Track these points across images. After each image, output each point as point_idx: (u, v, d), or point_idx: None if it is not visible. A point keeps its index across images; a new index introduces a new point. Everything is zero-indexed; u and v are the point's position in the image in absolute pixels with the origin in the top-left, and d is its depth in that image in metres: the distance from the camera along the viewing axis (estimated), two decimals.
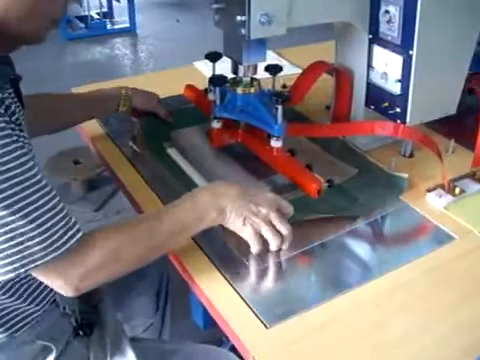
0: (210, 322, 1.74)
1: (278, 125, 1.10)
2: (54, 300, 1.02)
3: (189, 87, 1.42)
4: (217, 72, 1.26)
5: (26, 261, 0.78)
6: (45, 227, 0.78)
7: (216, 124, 1.21)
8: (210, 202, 0.93)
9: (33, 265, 0.78)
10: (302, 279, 0.95)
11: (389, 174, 1.21)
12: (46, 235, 0.78)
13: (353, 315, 0.87)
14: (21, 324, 0.97)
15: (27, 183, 0.78)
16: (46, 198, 0.79)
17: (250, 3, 0.99)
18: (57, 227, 0.80)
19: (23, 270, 0.78)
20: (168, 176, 1.20)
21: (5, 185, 0.75)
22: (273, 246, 0.95)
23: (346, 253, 1.01)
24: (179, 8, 5.54)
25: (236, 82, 1.19)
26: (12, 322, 0.96)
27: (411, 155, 1.30)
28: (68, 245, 0.80)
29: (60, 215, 0.80)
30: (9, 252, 0.77)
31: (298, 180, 1.09)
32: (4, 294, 0.92)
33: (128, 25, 5.07)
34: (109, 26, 5.06)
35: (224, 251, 0.98)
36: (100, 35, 4.89)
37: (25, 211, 0.77)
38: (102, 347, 1.05)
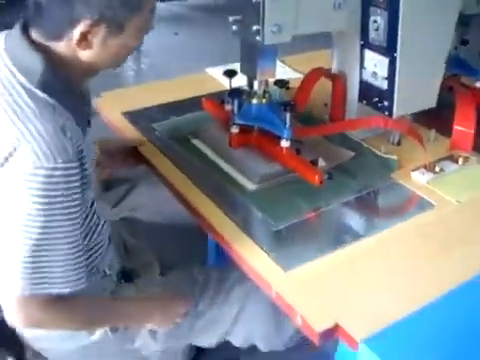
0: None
1: (287, 129, 1.32)
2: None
3: (207, 100, 1.64)
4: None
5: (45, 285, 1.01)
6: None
7: (234, 129, 1.41)
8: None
9: (47, 291, 1.01)
10: (313, 236, 1.18)
11: (381, 157, 1.44)
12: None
13: (352, 262, 1.10)
14: None
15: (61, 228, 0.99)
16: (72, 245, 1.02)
17: (264, 15, 1.22)
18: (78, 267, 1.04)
19: (32, 292, 1.00)
20: (195, 160, 1.43)
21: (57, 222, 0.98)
22: None
23: (347, 217, 1.25)
24: (177, 22, 5.77)
25: (251, 94, 1.40)
26: None
27: (399, 143, 1.53)
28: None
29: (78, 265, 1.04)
30: (32, 272, 0.99)
31: (304, 174, 1.31)
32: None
33: None
34: None
35: (247, 217, 1.23)
36: None
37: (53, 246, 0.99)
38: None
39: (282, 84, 1.42)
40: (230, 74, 1.49)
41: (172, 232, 1.79)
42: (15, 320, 1.05)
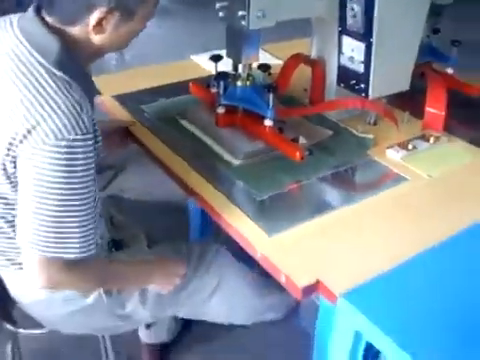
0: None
1: (270, 109, 1.41)
2: None
3: (194, 84, 1.72)
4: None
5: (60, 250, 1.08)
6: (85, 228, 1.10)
7: (220, 110, 1.51)
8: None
9: (65, 255, 1.09)
10: (294, 205, 1.28)
11: (358, 136, 1.54)
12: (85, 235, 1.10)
13: (332, 227, 1.20)
14: None
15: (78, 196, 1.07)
16: (87, 210, 1.09)
17: (249, 1, 1.30)
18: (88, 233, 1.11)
19: (54, 255, 1.08)
20: (184, 139, 1.52)
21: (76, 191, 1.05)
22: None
23: (326, 189, 1.35)
24: (159, 15, 5.82)
25: (236, 77, 1.49)
26: None
27: (375, 123, 1.63)
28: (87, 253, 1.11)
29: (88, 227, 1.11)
30: (54, 237, 1.06)
31: (286, 150, 1.40)
32: None
33: None
34: None
35: (234, 189, 1.32)
36: None
37: (73, 213, 1.06)
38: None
39: (265, 68, 1.52)
40: (216, 59, 1.58)
41: (157, 211, 1.87)
42: (38, 281, 1.13)
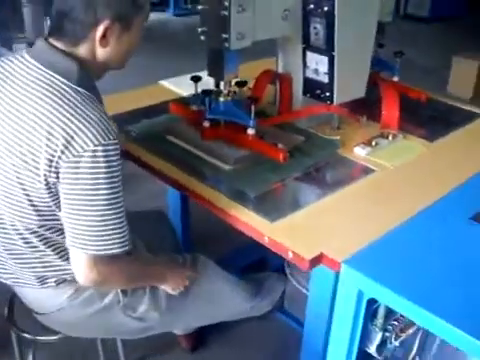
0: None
1: (252, 119, 1.61)
2: None
3: (174, 103, 1.91)
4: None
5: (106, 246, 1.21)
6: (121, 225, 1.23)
7: (206, 123, 1.68)
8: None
9: (110, 251, 1.22)
10: (286, 198, 1.47)
11: (327, 138, 1.76)
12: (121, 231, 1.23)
13: (322, 212, 1.40)
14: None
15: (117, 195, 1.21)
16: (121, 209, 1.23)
17: (230, 26, 1.50)
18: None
19: (102, 252, 1.22)
20: (175, 152, 1.68)
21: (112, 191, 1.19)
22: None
23: (309, 183, 1.55)
24: None
25: (218, 94, 1.68)
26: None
27: (339, 128, 1.85)
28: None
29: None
30: (101, 235, 1.20)
31: (271, 153, 1.61)
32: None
33: None
34: None
35: (231, 190, 1.49)
36: None
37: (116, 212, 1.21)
38: None
39: (242, 84, 1.71)
40: (196, 79, 1.76)
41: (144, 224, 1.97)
42: (89, 278, 1.26)
